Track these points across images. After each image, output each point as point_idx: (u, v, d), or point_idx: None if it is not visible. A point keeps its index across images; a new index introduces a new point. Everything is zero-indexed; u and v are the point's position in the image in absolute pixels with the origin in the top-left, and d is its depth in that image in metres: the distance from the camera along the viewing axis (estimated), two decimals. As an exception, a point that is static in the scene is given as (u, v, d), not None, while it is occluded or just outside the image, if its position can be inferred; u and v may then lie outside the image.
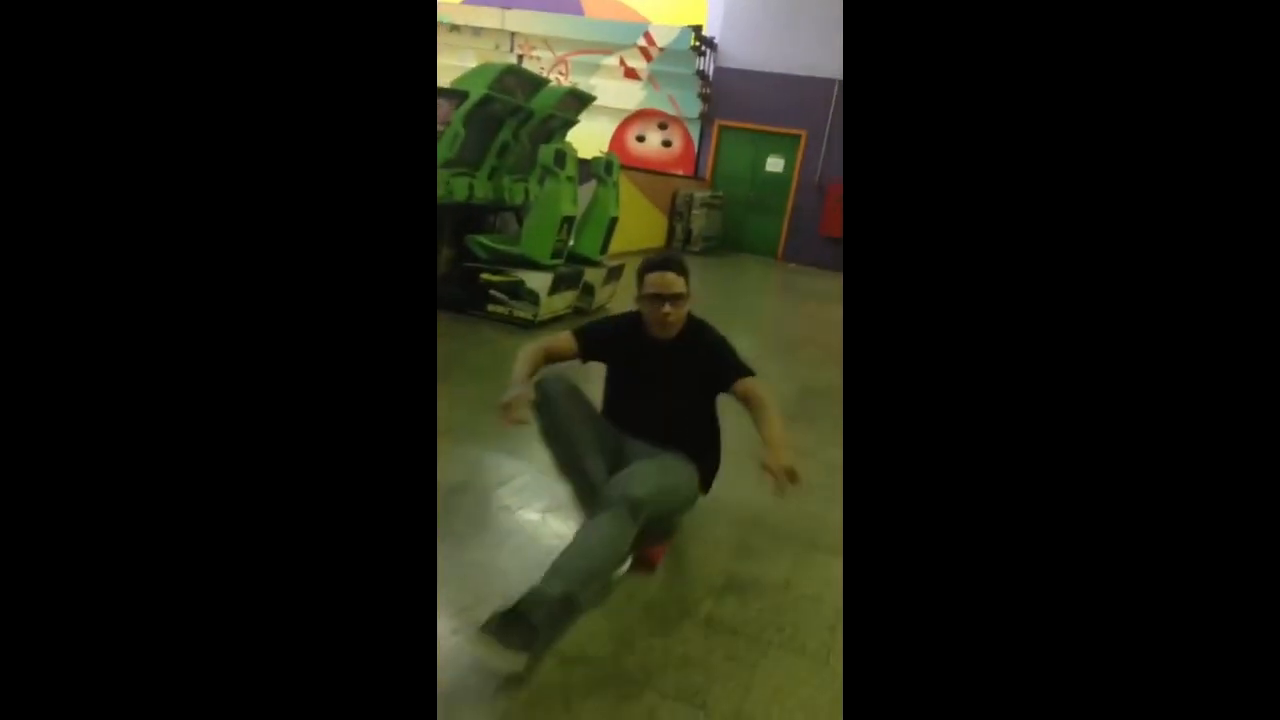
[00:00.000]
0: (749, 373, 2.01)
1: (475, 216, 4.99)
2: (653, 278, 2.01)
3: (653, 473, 1.90)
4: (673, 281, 1.99)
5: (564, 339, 2.08)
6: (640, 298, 2.03)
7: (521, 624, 1.50)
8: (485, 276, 4.69)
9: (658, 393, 2.09)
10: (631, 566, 1.98)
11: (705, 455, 2.16)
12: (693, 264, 8.06)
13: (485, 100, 4.57)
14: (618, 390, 2.21)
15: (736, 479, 2.73)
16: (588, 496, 1.97)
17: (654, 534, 1.98)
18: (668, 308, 1.99)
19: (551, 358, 2.05)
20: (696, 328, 2.10)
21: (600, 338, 2.12)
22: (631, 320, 2.11)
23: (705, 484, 2.18)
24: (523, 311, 4.65)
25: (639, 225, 8.86)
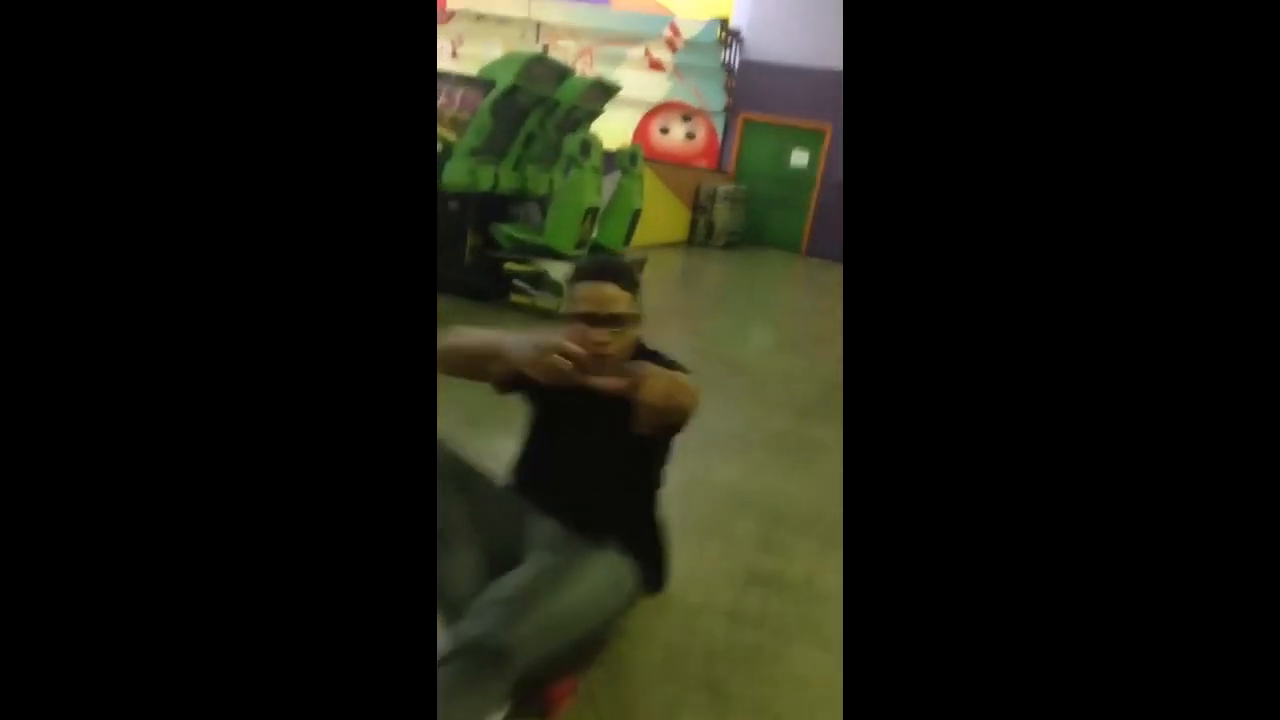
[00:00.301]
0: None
1: (500, 206, 5.00)
2: (585, 291, 1.40)
3: (540, 590, 1.26)
4: (612, 297, 1.38)
5: None
6: (569, 318, 1.42)
7: None
8: (509, 266, 4.70)
9: (586, 451, 1.48)
10: (517, 713, 1.25)
11: (651, 543, 1.58)
12: (715, 258, 7.96)
13: (512, 90, 4.58)
14: (536, 442, 1.60)
15: (761, 474, 2.72)
16: (446, 615, 1.32)
17: (559, 668, 1.34)
18: (603, 336, 1.37)
19: None
20: (649, 361, 1.41)
21: None
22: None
23: (654, 580, 1.56)
24: (545, 302, 4.66)
25: (662, 218, 8.85)
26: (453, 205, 4.69)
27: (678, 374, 1.25)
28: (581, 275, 1.44)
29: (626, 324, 1.41)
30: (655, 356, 1.49)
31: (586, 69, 10.65)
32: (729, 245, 10.35)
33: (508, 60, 4.73)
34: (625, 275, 1.44)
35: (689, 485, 2.51)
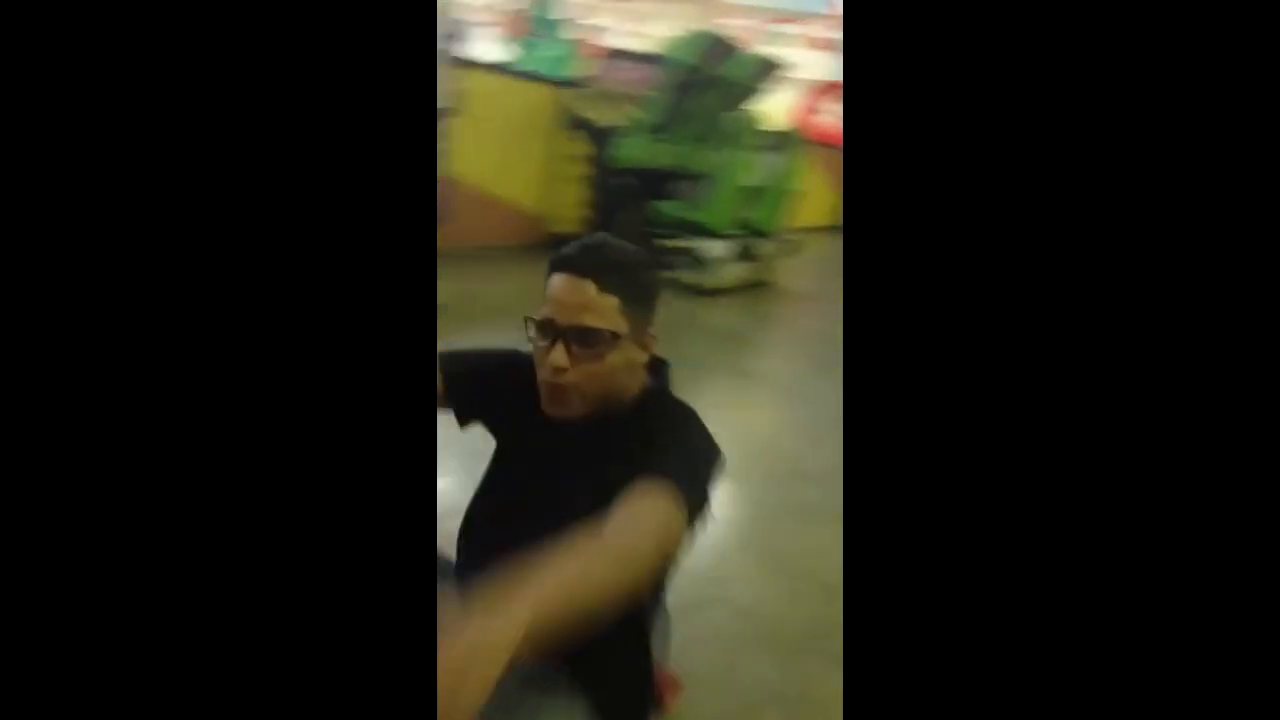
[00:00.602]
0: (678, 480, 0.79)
1: (661, 182, 5.13)
2: (553, 286, 0.91)
3: None
4: (588, 302, 0.89)
5: None
6: (531, 325, 0.93)
7: None
8: (661, 242, 4.83)
9: (542, 515, 0.90)
10: None
11: (633, 678, 1.01)
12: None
13: (680, 67, 4.68)
14: (491, 492, 1.10)
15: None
16: None
17: None
18: (560, 357, 0.88)
19: None
20: (650, 409, 0.96)
21: (479, 378, 1.04)
22: (521, 366, 0.98)
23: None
24: (692, 278, 4.76)
25: (815, 202, 8.72)
26: (623, 180, 4.84)
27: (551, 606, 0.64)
28: (558, 263, 0.93)
29: (601, 345, 0.89)
30: (671, 404, 0.97)
31: (752, 47, 10.59)
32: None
33: (684, 38, 4.82)
34: (617, 272, 0.91)
35: (796, 466, 2.61)
